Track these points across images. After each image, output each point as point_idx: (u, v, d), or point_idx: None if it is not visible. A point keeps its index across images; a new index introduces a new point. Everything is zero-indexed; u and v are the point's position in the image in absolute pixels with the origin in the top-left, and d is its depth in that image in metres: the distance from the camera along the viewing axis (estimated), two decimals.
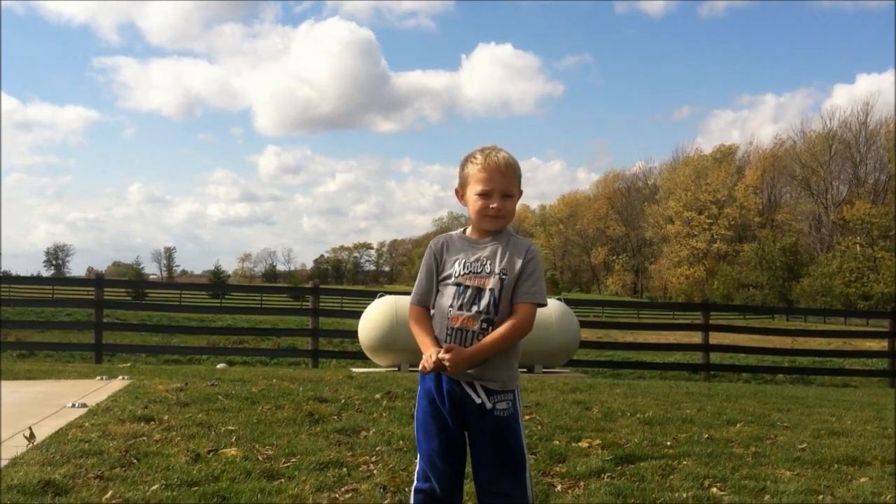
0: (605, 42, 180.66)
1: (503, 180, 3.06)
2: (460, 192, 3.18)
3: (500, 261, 3.05)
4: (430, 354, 2.98)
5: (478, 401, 3.01)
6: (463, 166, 3.17)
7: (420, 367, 3.03)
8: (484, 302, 3.01)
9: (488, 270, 3.04)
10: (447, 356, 2.93)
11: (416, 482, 3.12)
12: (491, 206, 3.05)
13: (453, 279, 3.08)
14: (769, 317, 55.43)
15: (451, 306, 3.06)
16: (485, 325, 3.01)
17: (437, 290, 3.13)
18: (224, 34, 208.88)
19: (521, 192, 3.16)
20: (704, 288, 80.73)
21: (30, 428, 5.33)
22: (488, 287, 3.02)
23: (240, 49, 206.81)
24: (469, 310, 3.03)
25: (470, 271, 3.06)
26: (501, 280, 3.02)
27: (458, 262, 3.09)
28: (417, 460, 3.13)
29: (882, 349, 17.23)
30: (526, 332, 3.04)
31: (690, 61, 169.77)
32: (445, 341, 3.05)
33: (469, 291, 3.04)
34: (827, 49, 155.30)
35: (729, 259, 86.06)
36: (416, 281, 3.20)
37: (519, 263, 3.04)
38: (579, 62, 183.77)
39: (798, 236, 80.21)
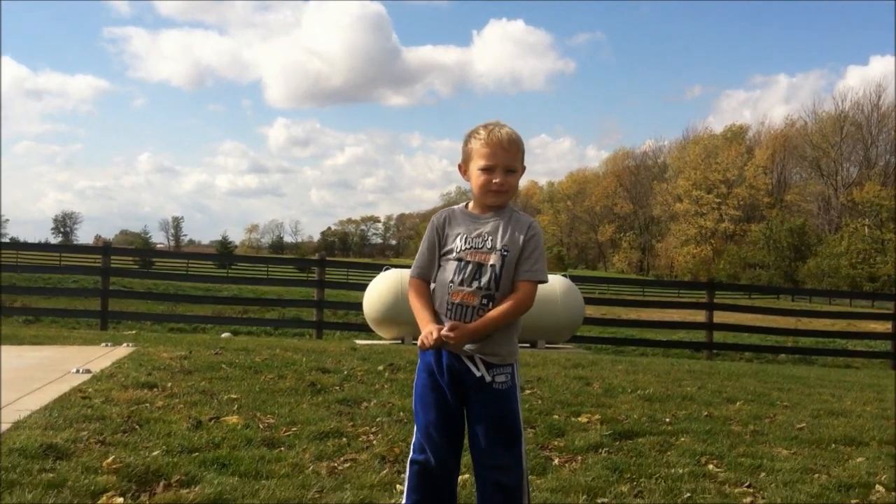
0: (618, 19, 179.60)
1: (506, 155, 3.06)
2: (463, 168, 3.17)
3: (503, 237, 3.05)
4: (429, 331, 2.99)
5: (477, 374, 3.03)
6: (466, 141, 3.16)
7: (419, 343, 3.04)
8: (485, 278, 3.03)
9: (489, 246, 3.05)
10: (451, 334, 2.94)
11: (412, 453, 3.15)
12: (494, 181, 3.05)
13: (455, 254, 3.08)
14: (774, 297, 55.37)
15: (451, 281, 3.06)
16: (485, 301, 3.02)
17: (439, 265, 3.13)
18: (235, 6, 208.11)
19: (524, 168, 3.16)
20: (711, 267, 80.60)
21: None
22: (490, 263, 3.03)
23: (251, 21, 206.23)
24: (470, 285, 3.04)
25: (472, 246, 3.06)
26: (503, 256, 3.03)
27: (459, 236, 3.10)
28: (415, 431, 3.16)
29: (886, 331, 17.21)
30: (527, 309, 3.07)
31: (704, 40, 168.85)
32: (445, 316, 3.06)
33: (470, 267, 3.05)
34: (841, 30, 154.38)
35: (736, 239, 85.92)
36: (418, 254, 3.20)
37: (521, 240, 3.05)
38: (591, 39, 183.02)
39: (807, 217, 79.97)
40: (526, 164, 3.19)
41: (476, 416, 3.05)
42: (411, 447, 3.16)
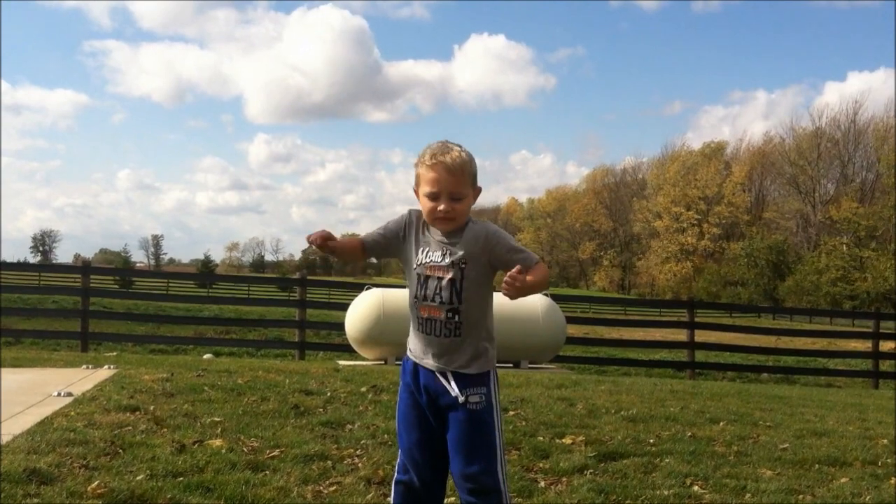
0: (598, 35, 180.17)
1: (451, 181, 3.00)
2: (415, 191, 3.13)
3: (459, 251, 3.03)
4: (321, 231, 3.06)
5: (452, 394, 3.03)
6: (416, 164, 3.11)
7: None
8: (445, 293, 3.03)
9: (447, 262, 3.04)
10: (515, 279, 2.89)
11: (396, 473, 3.16)
12: (439, 208, 3.01)
13: (416, 268, 3.10)
14: (755, 315, 55.64)
15: (416, 296, 3.10)
16: (450, 315, 3.04)
17: (407, 277, 3.16)
18: (217, 19, 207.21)
19: (478, 190, 3.10)
20: (692, 285, 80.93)
21: None
22: (448, 277, 3.03)
23: (232, 35, 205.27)
24: (433, 300, 3.05)
25: (430, 261, 3.06)
26: (461, 269, 3.02)
27: (420, 249, 3.10)
28: (399, 452, 3.15)
29: (867, 350, 17.33)
30: (545, 275, 3.05)
31: (683, 56, 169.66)
32: (418, 330, 3.10)
33: (430, 282, 3.06)
34: (819, 46, 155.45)
35: (716, 257, 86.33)
36: (377, 227, 3.21)
37: (481, 246, 3.04)
38: (572, 55, 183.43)
39: (787, 235, 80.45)
40: (481, 184, 3.12)
41: (450, 431, 3.05)
42: (396, 467, 3.17)
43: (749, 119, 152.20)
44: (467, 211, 3.07)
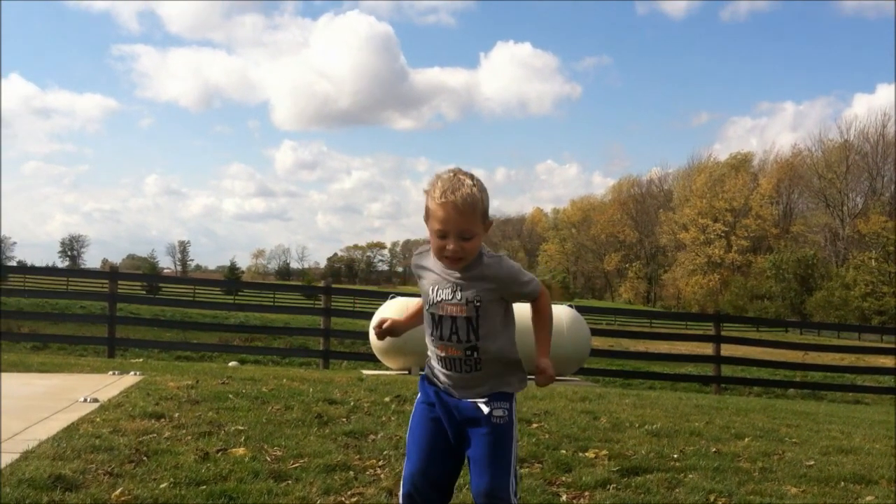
0: (625, 44, 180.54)
1: (460, 220, 2.90)
2: (426, 221, 3.04)
3: (472, 288, 2.99)
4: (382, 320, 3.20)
5: (476, 405, 3.03)
6: (426, 195, 3.01)
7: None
8: (462, 331, 3.00)
9: (459, 298, 2.99)
10: (545, 378, 3.04)
11: (402, 488, 3.12)
12: (448, 247, 2.93)
13: (429, 306, 3.07)
14: (783, 330, 55.20)
15: (432, 335, 3.08)
16: (469, 352, 3.02)
17: (424, 310, 3.14)
18: (244, 25, 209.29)
19: (488, 224, 3.01)
20: (718, 298, 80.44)
21: None
22: (463, 315, 3.00)
23: (259, 40, 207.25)
24: (449, 339, 3.02)
25: (442, 299, 3.02)
26: (476, 307, 2.99)
27: (431, 287, 3.06)
28: (406, 465, 3.13)
29: (895, 366, 17.16)
30: (551, 309, 3.13)
31: (711, 66, 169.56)
32: (439, 365, 3.09)
33: (445, 321, 3.02)
34: (849, 58, 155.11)
35: (743, 270, 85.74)
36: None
37: (495, 285, 3.00)
38: (598, 63, 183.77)
39: (816, 249, 79.80)
40: (491, 219, 3.05)
41: (472, 451, 3.03)
42: (402, 482, 3.14)
43: (777, 131, 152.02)
44: (477, 248, 2.99)
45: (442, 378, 3.10)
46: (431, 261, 3.08)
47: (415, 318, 3.23)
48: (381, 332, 3.19)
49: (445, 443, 3.08)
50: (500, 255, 3.07)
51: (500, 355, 3.06)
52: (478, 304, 2.98)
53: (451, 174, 2.97)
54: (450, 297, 3.00)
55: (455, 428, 3.06)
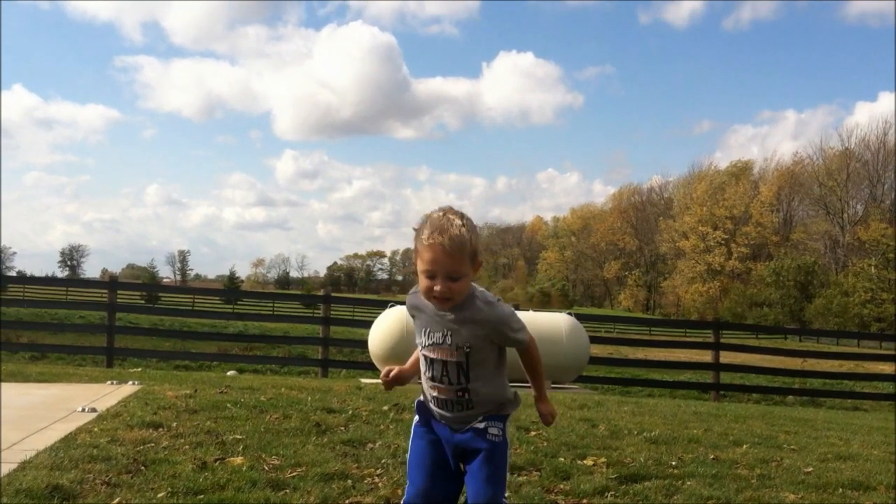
0: (627, 53, 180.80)
1: (448, 262, 2.86)
2: (415, 262, 3.01)
3: (463, 333, 2.98)
4: (383, 374, 3.19)
5: (472, 426, 3.05)
6: (415, 236, 2.97)
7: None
8: (452, 375, 3.01)
9: (449, 343, 2.99)
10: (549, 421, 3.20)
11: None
12: (435, 288, 2.90)
13: (421, 348, 3.08)
14: (782, 337, 55.18)
15: (424, 375, 3.09)
16: (460, 394, 3.03)
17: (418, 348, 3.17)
18: (248, 36, 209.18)
19: (478, 265, 2.97)
20: (717, 306, 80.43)
21: None
22: (454, 360, 3.00)
23: (262, 51, 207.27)
24: (441, 381, 3.03)
25: (433, 343, 3.02)
26: (467, 353, 2.98)
27: (423, 330, 3.06)
28: (408, 488, 3.12)
29: (894, 373, 17.14)
30: (540, 358, 3.17)
31: (712, 75, 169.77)
32: (432, 404, 3.10)
33: (436, 364, 3.03)
34: (851, 66, 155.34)
35: (742, 278, 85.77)
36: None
37: (488, 331, 2.99)
38: (601, 73, 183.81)
39: (816, 256, 79.83)
40: (481, 258, 3.01)
41: (469, 466, 3.05)
42: (403, 502, 3.14)
43: (778, 139, 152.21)
44: (466, 288, 2.96)
45: (436, 413, 3.12)
46: (422, 304, 3.07)
47: (418, 363, 3.20)
48: (389, 382, 3.16)
49: (445, 464, 3.09)
50: (495, 301, 3.04)
51: (491, 397, 3.07)
52: (468, 349, 2.97)
53: (441, 214, 2.94)
54: (440, 341, 3.00)
55: (453, 448, 3.08)
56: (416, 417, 3.19)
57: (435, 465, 3.08)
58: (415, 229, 2.97)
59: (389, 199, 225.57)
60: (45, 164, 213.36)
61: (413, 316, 3.14)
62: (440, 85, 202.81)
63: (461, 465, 3.09)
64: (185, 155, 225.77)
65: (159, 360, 17.25)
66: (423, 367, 3.10)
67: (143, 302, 47.40)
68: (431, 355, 3.03)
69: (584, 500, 4.71)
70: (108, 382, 8.89)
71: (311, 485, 4.63)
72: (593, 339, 14.18)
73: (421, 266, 2.92)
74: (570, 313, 13.84)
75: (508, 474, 3.13)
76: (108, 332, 13.95)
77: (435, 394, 3.07)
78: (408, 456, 3.19)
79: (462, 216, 2.93)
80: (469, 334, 2.97)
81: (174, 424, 6.14)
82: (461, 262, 2.88)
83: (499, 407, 3.10)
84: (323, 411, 7.22)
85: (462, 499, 3.15)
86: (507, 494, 3.10)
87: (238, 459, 5.11)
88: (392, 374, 3.14)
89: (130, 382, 8.90)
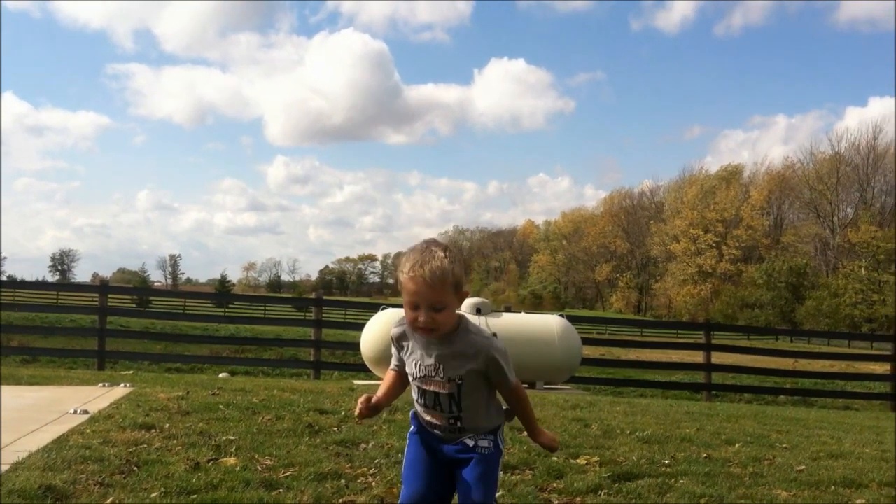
0: (618, 60, 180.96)
1: (430, 294, 2.87)
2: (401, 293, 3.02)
3: (452, 364, 2.98)
4: (362, 400, 3.08)
5: (463, 441, 3.07)
6: (398, 268, 2.99)
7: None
8: (444, 405, 3.02)
9: (442, 376, 2.99)
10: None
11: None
12: (419, 319, 2.91)
13: (412, 379, 3.09)
14: (773, 338, 55.30)
15: (417, 402, 3.11)
16: (452, 421, 3.05)
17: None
18: (239, 43, 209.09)
19: (463, 295, 2.97)
20: (709, 307, 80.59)
21: None
22: (445, 392, 3.00)
23: (254, 58, 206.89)
24: (433, 409, 3.05)
25: (425, 375, 3.02)
26: (458, 385, 2.99)
27: (413, 361, 3.06)
28: (402, 490, 3.14)
29: (885, 372, 17.20)
30: (525, 394, 3.16)
31: (703, 80, 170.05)
32: (424, 423, 3.13)
33: (428, 395, 3.04)
34: (841, 71, 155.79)
35: (734, 280, 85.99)
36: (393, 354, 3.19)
37: (479, 363, 2.98)
38: (592, 79, 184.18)
39: (807, 259, 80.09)
40: (466, 289, 3.01)
41: (461, 472, 3.06)
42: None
43: (768, 144, 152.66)
44: (450, 319, 2.95)
45: (428, 427, 3.14)
46: (410, 334, 3.08)
47: (394, 390, 3.20)
48: (369, 409, 3.09)
49: (439, 469, 3.11)
50: (490, 336, 3.05)
51: (483, 422, 3.09)
52: (460, 382, 2.99)
53: (424, 246, 2.94)
54: (433, 374, 3.00)
55: (445, 456, 3.10)
56: (412, 426, 3.20)
57: (429, 470, 3.10)
58: (397, 263, 3.02)
59: (381, 203, 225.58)
60: (36, 171, 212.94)
61: (399, 347, 3.12)
62: (432, 91, 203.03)
63: (454, 471, 3.10)
64: (177, 161, 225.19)
65: (151, 362, 17.20)
66: (414, 395, 3.12)
67: (134, 306, 47.26)
68: (423, 387, 3.04)
69: (578, 499, 4.72)
70: (100, 385, 8.87)
71: (305, 484, 4.63)
72: (585, 341, 14.21)
73: (405, 297, 2.93)
74: (562, 315, 13.85)
75: (502, 473, 3.16)
76: (99, 336, 13.92)
77: (428, 418, 3.09)
78: (403, 461, 3.20)
79: (445, 248, 2.93)
80: (461, 367, 2.98)
81: (167, 426, 6.13)
82: (443, 294, 2.88)
83: (487, 429, 3.11)
84: (315, 412, 7.21)
85: None
86: (498, 493, 3.12)
87: (231, 460, 5.10)
88: (374, 400, 3.09)
89: (122, 385, 8.87)
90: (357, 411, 3.05)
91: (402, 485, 3.14)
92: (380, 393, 3.16)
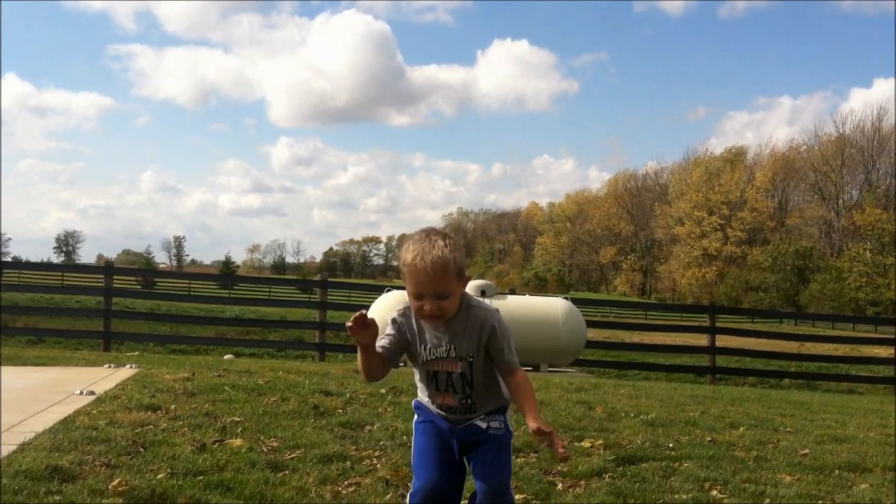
0: (622, 41, 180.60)
1: (432, 283, 2.89)
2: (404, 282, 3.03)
3: (462, 343, 3.01)
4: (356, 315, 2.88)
5: (478, 423, 3.09)
6: (399, 259, 3.01)
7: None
8: (457, 385, 3.05)
9: (454, 355, 3.02)
10: (563, 454, 2.93)
11: (411, 499, 3.11)
12: (424, 307, 2.94)
13: (421, 363, 3.09)
14: (777, 321, 55.26)
15: (427, 387, 3.12)
16: (464, 401, 3.08)
17: (414, 366, 3.16)
18: (241, 24, 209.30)
19: (466, 280, 3.00)
20: (714, 290, 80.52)
21: None
22: (458, 371, 3.03)
23: (256, 39, 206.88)
24: (446, 390, 3.07)
25: (436, 356, 3.05)
26: (470, 363, 3.02)
27: (422, 345, 3.07)
28: (415, 481, 3.12)
29: (890, 356, 17.18)
30: (526, 380, 3.06)
31: (708, 62, 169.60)
32: (434, 408, 3.14)
33: (440, 376, 3.06)
34: (845, 52, 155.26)
35: (738, 262, 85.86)
36: (384, 334, 3.09)
37: (483, 340, 3.01)
38: (595, 60, 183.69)
39: (812, 242, 79.91)
40: (468, 273, 3.03)
41: (474, 455, 3.09)
42: (410, 494, 3.13)
43: (773, 125, 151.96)
44: (455, 304, 2.98)
45: (437, 413, 3.16)
46: (415, 319, 3.07)
47: (378, 361, 3.03)
48: (357, 326, 2.86)
49: (450, 456, 3.12)
50: (493, 309, 3.07)
51: (493, 400, 3.13)
52: (471, 359, 3.02)
53: (424, 235, 2.96)
54: (444, 354, 3.03)
55: (456, 441, 3.12)
56: (417, 416, 3.22)
57: (440, 458, 3.10)
58: (399, 254, 3.02)
59: (385, 185, 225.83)
60: (39, 152, 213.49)
61: (400, 331, 3.08)
62: (435, 72, 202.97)
63: (466, 456, 3.12)
64: (180, 142, 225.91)
65: (156, 343, 17.27)
66: (423, 380, 3.13)
67: (139, 287, 47.35)
68: (435, 368, 3.06)
69: (582, 482, 4.73)
70: (106, 366, 8.90)
71: (310, 466, 4.64)
72: (589, 324, 14.21)
73: (409, 288, 2.95)
74: (566, 297, 13.86)
75: None
76: (104, 317, 13.95)
77: (438, 401, 3.11)
78: (412, 451, 3.19)
79: (445, 236, 2.96)
80: (470, 343, 3.01)
81: (172, 407, 6.15)
82: (447, 282, 2.91)
83: (496, 408, 3.14)
84: (321, 394, 7.23)
85: (468, 489, 3.17)
86: (510, 479, 3.14)
87: (237, 441, 5.12)
88: (369, 320, 2.91)
89: (128, 366, 8.90)
90: (350, 322, 2.90)
91: (413, 476, 3.13)
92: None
